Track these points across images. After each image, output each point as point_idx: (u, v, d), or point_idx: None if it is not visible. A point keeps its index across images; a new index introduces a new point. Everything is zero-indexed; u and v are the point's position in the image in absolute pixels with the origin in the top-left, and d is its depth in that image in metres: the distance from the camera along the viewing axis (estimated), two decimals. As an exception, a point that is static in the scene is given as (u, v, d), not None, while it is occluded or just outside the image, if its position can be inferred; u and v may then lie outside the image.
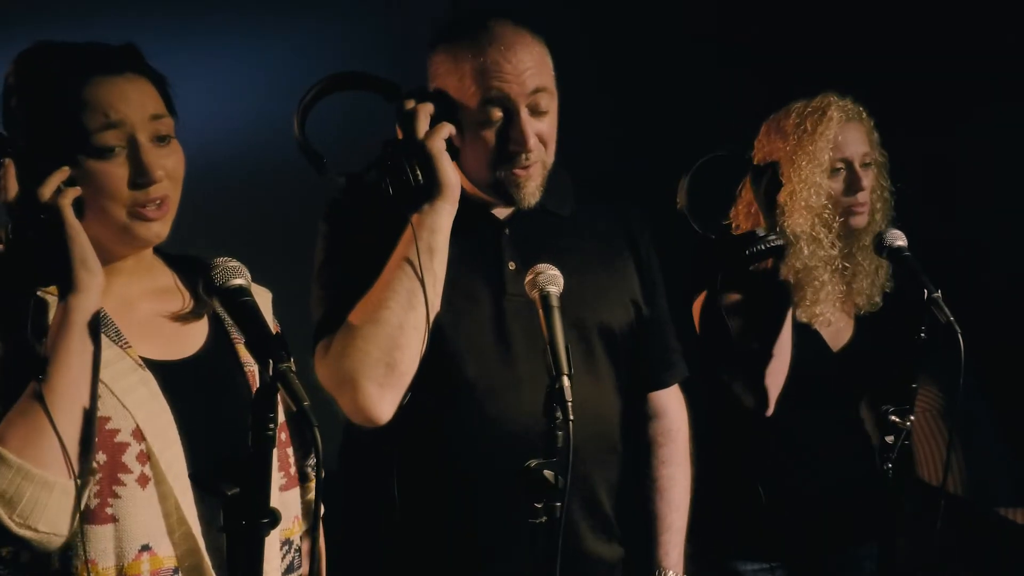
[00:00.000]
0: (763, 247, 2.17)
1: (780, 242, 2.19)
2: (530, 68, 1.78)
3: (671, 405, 2.09)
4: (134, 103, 1.47)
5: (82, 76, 1.45)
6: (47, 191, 1.41)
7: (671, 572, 2.03)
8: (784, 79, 2.49)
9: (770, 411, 2.25)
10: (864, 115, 2.32)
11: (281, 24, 3.05)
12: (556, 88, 1.84)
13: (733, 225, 2.37)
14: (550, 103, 1.82)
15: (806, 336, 2.29)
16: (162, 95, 1.52)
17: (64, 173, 1.43)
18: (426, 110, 1.78)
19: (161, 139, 1.49)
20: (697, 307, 2.34)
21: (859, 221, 2.30)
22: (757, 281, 2.25)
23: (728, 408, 2.29)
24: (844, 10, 3.23)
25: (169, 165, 1.49)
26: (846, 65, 2.86)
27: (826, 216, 2.25)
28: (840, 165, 2.27)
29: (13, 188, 1.42)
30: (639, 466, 2.08)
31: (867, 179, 2.29)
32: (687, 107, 3.16)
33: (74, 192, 1.43)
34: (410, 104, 1.79)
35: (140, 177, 1.46)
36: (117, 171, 1.46)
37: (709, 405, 2.34)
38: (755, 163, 2.32)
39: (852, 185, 2.28)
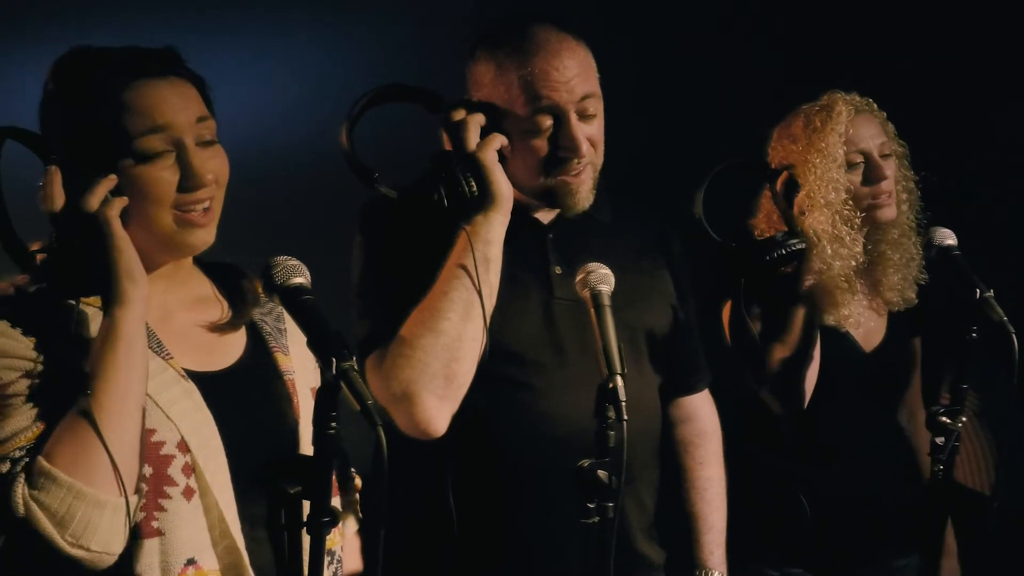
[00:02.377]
0: (783, 251, 2.15)
1: (801, 246, 2.17)
2: (578, 75, 1.78)
3: (703, 408, 2.11)
4: (179, 106, 1.44)
5: (124, 80, 1.42)
6: (95, 201, 1.38)
7: (716, 572, 2.03)
8: (805, 83, 2.47)
9: (799, 415, 2.22)
10: (874, 107, 2.30)
11: (308, 24, 3.05)
12: (601, 90, 1.85)
13: (756, 235, 2.34)
14: (597, 106, 1.83)
15: (835, 339, 2.26)
16: (203, 98, 1.50)
17: (111, 182, 1.40)
18: (476, 121, 1.78)
19: (206, 142, 1.47)
20: (727, 314, 2.32)
21: (887, 213, 2.26)
22: (780, 286, 2.22)
23: (760, 414, 2.26)
24: (867, 12, 3.22)
25: (216, 167, 1.47)
26: (867, 67, 2.84)
27: (847, 213, 2.22)
28: (858, 158, 2.24)
29: (59, 197, 1.39)
30: (674, 468, 2.08)
31: (888, 169, 2.26)
32: (710, 114, 3.15)
33: (121, 202, 1.40)
34: (460, 115, 1.79)
35: (189, 180, 1.44)
36: (164, 175, 1.43)
37: (741, 411, 2.31)
38: (762, 165, 2.31)
39: (872, 176, 2.24)
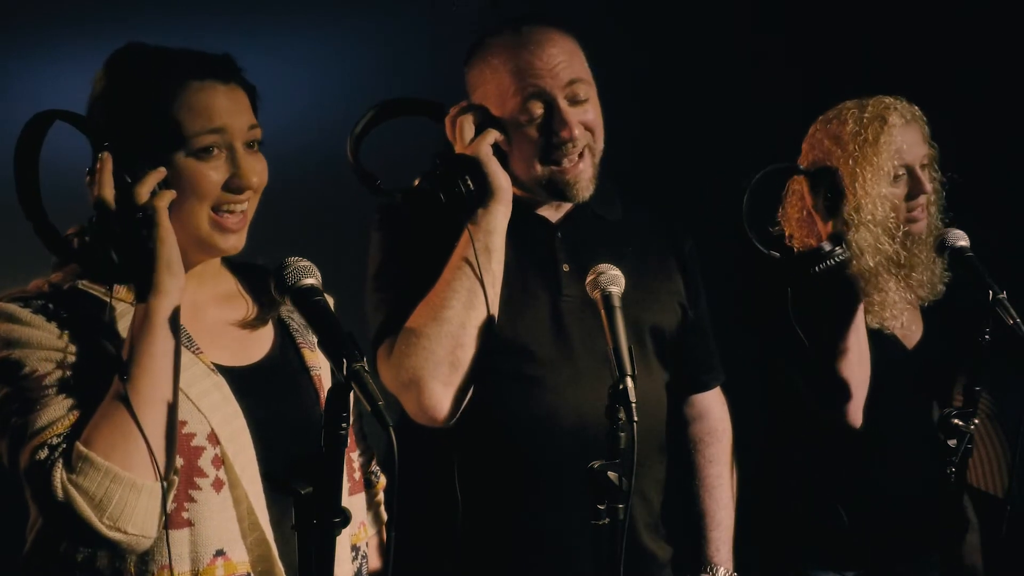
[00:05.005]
0: (831, 262, 2.11)
1: (847, 255, 2.14)
2: (562, 61, 1.83)
3: (714, 406, 2.12)
4: (234, 111, 1.50)
5: (186, 79, 1.47)
6: (144, 191, 1.43)
7: (722, 568, 2.05)
8: (820, 80, 2.45)
9: (860, 421, 2.19)
10: (918, 114, 2.25)
11: (325, 26, 3.06)
12: (593, 79, 1.88)
13: (786, 232, 2.31)
14: (589, 91, 1.87)
15: (880, 340, 2.24)
16: (253, 106, 1.55)
17: (161, 174, 1.45)
18: (468, 120, 1.84)
19: (253, 149, 1.52)
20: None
21: (920, 227, 2.23)
22: (828, 296, 2.17)
23: (805, 417, 2.22)
24: (881, 10, 3.20)
25: (260, 172, 1.52)
26: (883, 65, 2.82)
27: (890, 226, 2.19)
28: (902, 171, 2.20)
29: (109, 183, 1.43)
30: (684, 466, 2.09)
31: (927, 181, 2.22)
32: (723, 113, 3.14)
33: (170, 195, 1.45)
34: (452, 116, 1.85)
35: (236, 180, 1.49)
36: (213, 173, 1.48)
37: (782, 414, 2.29)
38: (807, 167, 2.25)
39: (914, 190, 2.21)
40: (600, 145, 1.89)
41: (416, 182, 1.84)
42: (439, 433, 1.80)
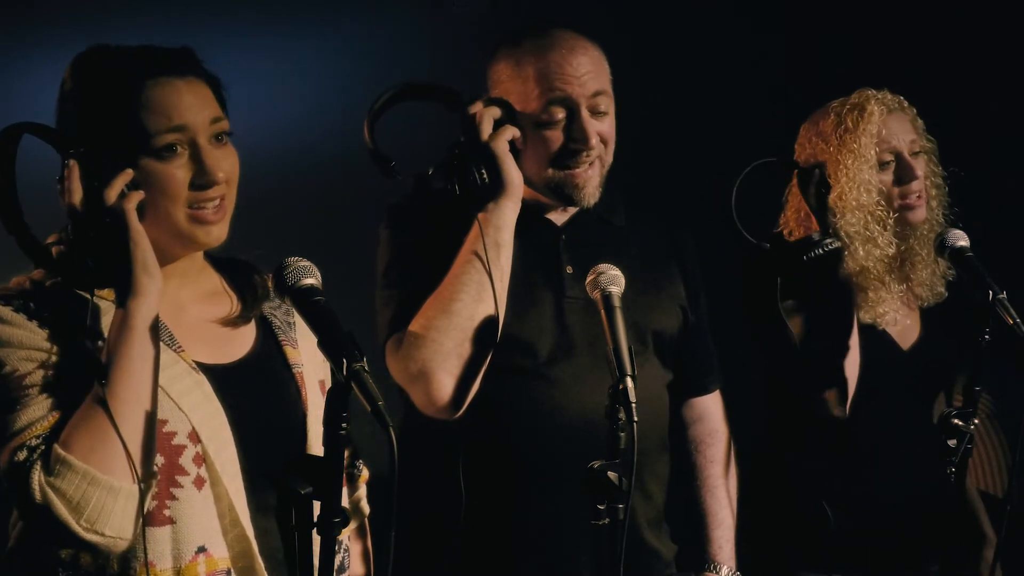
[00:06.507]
0: (820, 251, 2.12)
1: (837, 245, 2.14)
2: (590, 71, 1.87)
3: (714, 409, 2.14)
4: (195, 106, 1.47)
5: (143, 78, 1.46)
6: (112, 194, 1.42)
7: (725, 567, 2.06)
8: (819, 80, 2.45)
9: (845, 415, 2.18)
10: (905, 104, 2.26)
11: (325, 25, 3.07)
12: (614, 93, 1.91)
13: (785, 232, 2.31)
14: (609, 105, 1.91)
15: (873, 337, 2.23)
16: (217, 98, 1.53)
17: (128, 176, 1.44)
18: (491, 113, 1.85)
19: (219, 142, 1.50)
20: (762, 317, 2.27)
21: (918, 215, 2.23)
22: (817, 286, 2.19)
23: (800, 416, 2.23)
24: (879, 10, 3.20)
25: (227, 166, 1.50)
26: (882, 65, 2.82)
27: (879, 213, 2.20)
28: (889, 157, 2.21)
29: (77, 190, 1.42)
30: (685, 467, 2.11)
31: (919, 168, 2.22)
32: (722, 115, 3.14)
33: (138, 196, 1.44)
34: (475, 108, 1.86)
35: (201, 178, 1.47)
36: (178, 172, 1.47)
37: (778, 413, 2.30)
38: (793, 161, 2.28)
39: (904, 175, 2.21)
40: (610, 158, 1.92)
41: (430, 170, 1.84)
42: (440, 431, 1.82)
